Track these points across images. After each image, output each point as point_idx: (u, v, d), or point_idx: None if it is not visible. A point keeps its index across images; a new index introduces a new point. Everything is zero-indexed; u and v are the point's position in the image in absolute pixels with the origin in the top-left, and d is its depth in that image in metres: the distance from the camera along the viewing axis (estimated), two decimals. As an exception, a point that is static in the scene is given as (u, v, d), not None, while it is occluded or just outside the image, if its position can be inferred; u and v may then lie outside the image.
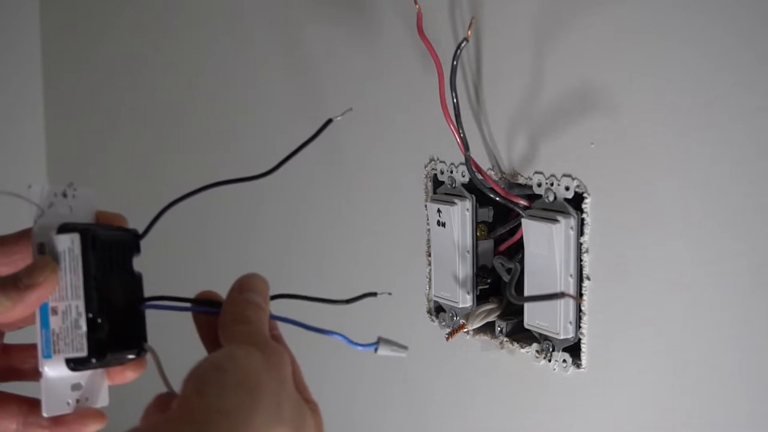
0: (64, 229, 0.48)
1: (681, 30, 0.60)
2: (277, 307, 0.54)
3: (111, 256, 0.49)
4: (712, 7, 0.58)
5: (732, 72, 0.58)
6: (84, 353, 0.48)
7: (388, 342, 0.53)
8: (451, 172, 0.78)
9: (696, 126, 0.60)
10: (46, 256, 0.48)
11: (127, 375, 0.52)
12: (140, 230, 0.52)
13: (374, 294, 0.59)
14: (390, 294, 0.64)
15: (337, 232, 0.96)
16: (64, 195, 0.49)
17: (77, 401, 0.50)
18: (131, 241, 0.51)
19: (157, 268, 0.57)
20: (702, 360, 0.62)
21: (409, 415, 0.90)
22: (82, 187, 0.50)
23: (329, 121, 0.58)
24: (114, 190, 1.36)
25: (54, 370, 0.48)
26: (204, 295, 0.51)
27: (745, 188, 0.58)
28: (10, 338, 0.53)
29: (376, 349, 0.53)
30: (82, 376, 0.50)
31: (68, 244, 0.48)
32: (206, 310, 0.51)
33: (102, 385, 0.52)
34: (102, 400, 0.52)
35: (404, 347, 0.53)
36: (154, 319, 0.52)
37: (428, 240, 0.82)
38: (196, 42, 1.17)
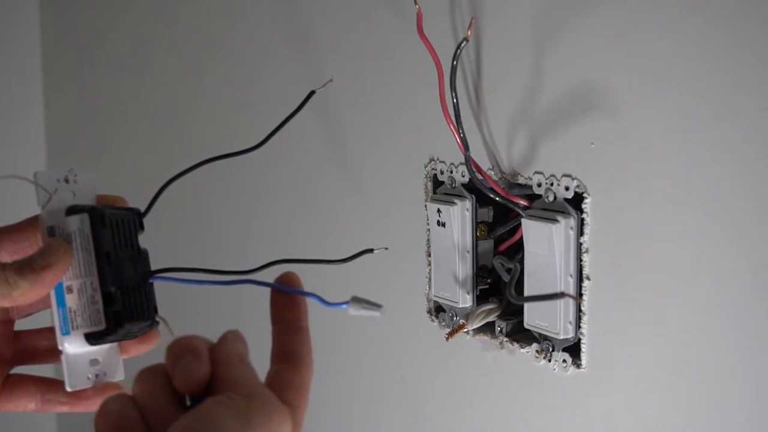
0: (73, 210, 0.51)
1: (681, 30, 0.60)
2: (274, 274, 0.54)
3: (119, 233, 0.52)
4: (712, 7, 0.58)
5: (732, 72, 0.58)
6: (102, 326, 0.50)
7: (361, 300, 0.51)
8: (451, 172, 0.78)
9: (696, 126, 0.60)
10: (57, 237, 0.50)
11: (141, 347, 0.54)
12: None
13: (371, 250, 0.60)
14: (387, 249, 0.65)
15: (337, 232, 0.96)
16: (66, 180, 0.52)
17: (96, 376, 0.53)
18: (135, 219, 0.53)
19: (160, 250, 0.58)
20: (702, 360, 0.62)
21: (408, 415, 0.90)
22: (82, 172, 0.53)
23: (312, 92, 0.62)
24: (115, 189, 1.36)
25: (73, 346, 0.51)
26: (285, 277, 0.52)
27: (745, 189, 0.58)
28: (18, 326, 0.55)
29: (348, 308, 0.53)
30: (99, 352, 0.52)
31: (78, 225, 0.50)
32: (228, 282, 0.53)
33: (117, 360, 0.54)
34: (119, 375, 0.54)
35: (378, 305, 0.51)
36: (162, 292, 0.54)
37: (428, 240, 0.82)
38: (197, 40, 1.17)
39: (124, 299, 0.51)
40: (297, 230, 1.02)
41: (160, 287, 0.54)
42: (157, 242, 0.58)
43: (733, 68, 0.58)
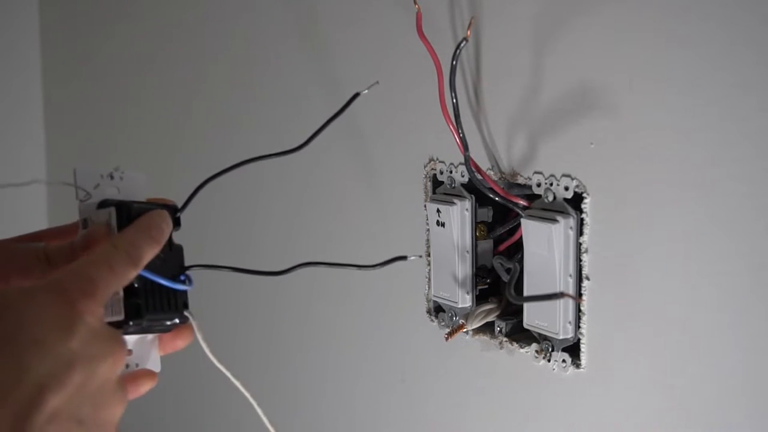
0: (103, 204, 0.53)
1: (680, 30, 0.60)
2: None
3: None
4: (712, 7, 0.58)
5: (731, 72, 0.58)
6: (121, 316, 0.52)
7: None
8: (451, 172, 0.78)
9: (696, 126, 0.60)
10: (95, 226, 0.53)
11: (177, 344, 0.56)
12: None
13: (404, 257, 0.61)
14: (421, 257, 0.64)
15: (337, 232, 0.96)
16: (111, 177, 0.54)
17: (127, 366, 0.54)
18: (169, 215, 0.54)
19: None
20: (702, 360, 0.62)
21: (408, 415, 0.90)
22: (131, 171, 0.55)
23: (356, 94, 0.62)
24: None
25: None
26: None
27: (745, 189, 0.58)
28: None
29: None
30: (131, 342, 0.54)
31: (106, 217, 0.52)
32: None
33: (151, 351, 0.56)
34: (153, 365, 0.56)
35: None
36: (199, 291, 0.55)
37: (428, 240, 0.82)
38: (198, 43, 1.17)
39: (148, 292, 0.52)
40: (297, 230, 1.02)
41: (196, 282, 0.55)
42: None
43: (733, 68, 0.58)
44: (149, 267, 0.52)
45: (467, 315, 0.76)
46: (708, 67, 0.59)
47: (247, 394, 0.56)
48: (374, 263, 0.61)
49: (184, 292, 0.55)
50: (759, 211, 0.57)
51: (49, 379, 0.43)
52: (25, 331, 0.43)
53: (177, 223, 0.55)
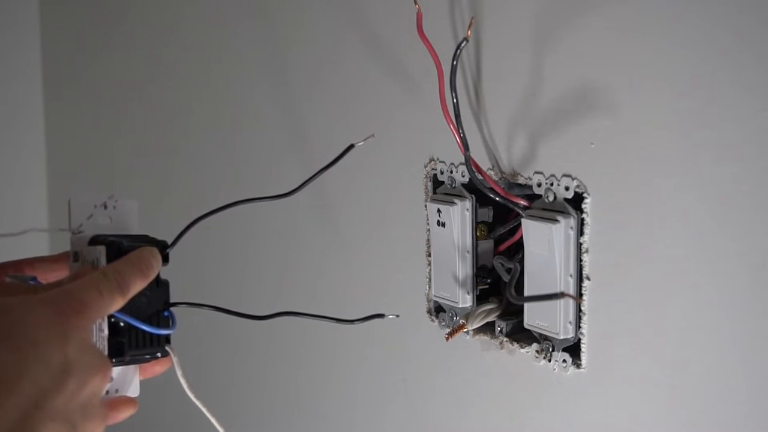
0: (95, 241, 0.54)
1: (681, 30, 0.60)
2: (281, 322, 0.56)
3: None
4: (712, 7, 0.58)
5: (731, 72, 0.58)
6: (105, 354, 0.53)
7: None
8: (451, 172, 0.78)
9: (696, 126, 0.60)
10: (83, 263, 0.54)
11: (156, 369, 0.58)
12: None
13: (382, 315, 0.64)
14: (398, 316, 0.66)
15: (337, 233, 0.96)
16: (105, 206, 0.55)
17: (107, 392, 0.55)
18: (159, 252, 0.55)
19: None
20: (702, 360, 0.62)
21: (408, 415, 0.90)
22: (123, 198, 0.55)
23: (351, 146, 0.64)
24: (115, 190, 1.36)
25: None
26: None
27: (745, 188, 0.58)
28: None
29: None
30: (113, 370, 0.55)
31: (96, 255, 0.53)
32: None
33: (133, 377, 0.57)
34: (132, 391, 0.57)
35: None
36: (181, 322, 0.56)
37: (428, 240, 0.82)
38: (199, 40, 1.17)
39: (131, 330, 0.53)
40: (297, 230, 1.02)
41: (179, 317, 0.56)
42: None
43: (733, 68, 0.58)
44: (135, 302, 0.53)
45: (467, 315, 0.76)
46: (708, 67, 0.59)
47: (221, 430, 0.58)
48: (353, 318, 0.63)
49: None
50: (759, 211, 0.57)
51: (49, 381, 0.44)
52: (23, 331, 0.45)
53: (165, 259, 0.55)
